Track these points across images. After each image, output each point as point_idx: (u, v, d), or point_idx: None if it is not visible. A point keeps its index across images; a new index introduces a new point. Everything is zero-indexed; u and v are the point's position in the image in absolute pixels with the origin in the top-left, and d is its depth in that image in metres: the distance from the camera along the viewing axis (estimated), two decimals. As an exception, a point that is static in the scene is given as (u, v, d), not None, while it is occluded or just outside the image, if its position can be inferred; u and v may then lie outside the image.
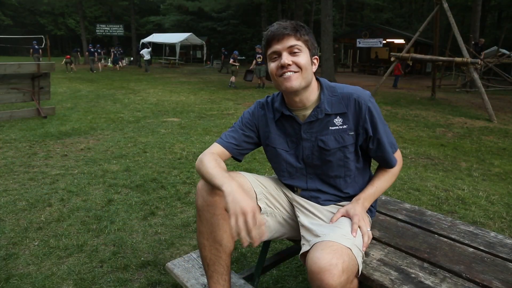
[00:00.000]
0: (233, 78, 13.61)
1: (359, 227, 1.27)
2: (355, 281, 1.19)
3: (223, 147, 1.44)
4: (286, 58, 1.26)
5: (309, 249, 1.18)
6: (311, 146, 1.38)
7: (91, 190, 3.27)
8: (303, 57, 1.28)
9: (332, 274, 1.04)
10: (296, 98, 1.34)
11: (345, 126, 1.35)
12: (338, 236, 1.18)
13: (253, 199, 1.38)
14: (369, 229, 1.30)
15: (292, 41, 1.27)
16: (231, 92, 12.03)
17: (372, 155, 1.44)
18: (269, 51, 1.31)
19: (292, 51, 1.27)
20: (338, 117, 1.35)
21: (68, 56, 20.44)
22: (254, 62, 13.52)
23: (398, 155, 1.46)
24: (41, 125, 5.95)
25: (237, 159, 1.49)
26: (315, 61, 1.35)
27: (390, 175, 1.45)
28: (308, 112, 1.37)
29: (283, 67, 1.27)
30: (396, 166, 1.45)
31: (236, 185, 1.20)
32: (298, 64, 1.27)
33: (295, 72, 1.27)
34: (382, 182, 1.44)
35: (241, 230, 1.11)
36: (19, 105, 7.73)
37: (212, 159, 1.35)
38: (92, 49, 21.15)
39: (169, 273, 1.64)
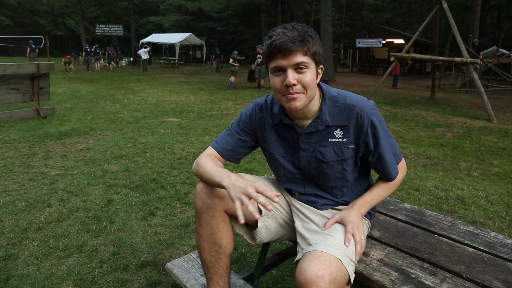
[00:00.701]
0: (232, 78, 13.60)
1: (352, 235, 1.24)
2: None
3: (218, 152, 1.41)
4: (291, 77, 1.17)
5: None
6: (308, 156, 1.35)
7: (91, 191, 3.27)
8: (309, 75, 1.19)
9: (318, 286, 1.03)
10: (298, 110, 1.28)
11: (345, 139, 1.30)
12: (328, 246, 1.15)
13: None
14: (363, 238, 1.26)
15: (299, 58, 1.16)
16: (231, 92, 12.03)
17: (372, 167, 1.41)
18: (272, 64, 1.20)
19: (298, 67, 1.18)
20: (338, 129, 1.30)
21: (68, 56, 20.38)
22: (255, 62, 13.50)
23: (402, 165, 1.42)
24: (41, 126, 5.94)
25: (234, 162, 1.48)
26: (319, 71, 1.27)
27: (391, 184, 1.41)
28: (308, 122, 1.31)
29: (288, 86, 1.18)
30: (397, 177, 1.41)
31: (235, 176, 1.20)
32: (304, 84, 1.19)
33: (300, 93, 1.20)
34: (381, 190, 1.40)
35: (247, 206, 1.10)
36: (18, 105, 7.73)
37: (209, 159, 1.35)
38: (89, 49, 21.23)
39: (169, 273, 1.64)
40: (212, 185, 1.30)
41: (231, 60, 14.32)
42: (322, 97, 1.32)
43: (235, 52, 14.65)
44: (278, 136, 1.39)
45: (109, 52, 23.70)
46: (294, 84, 1.18)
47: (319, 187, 1.42)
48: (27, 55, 21.19)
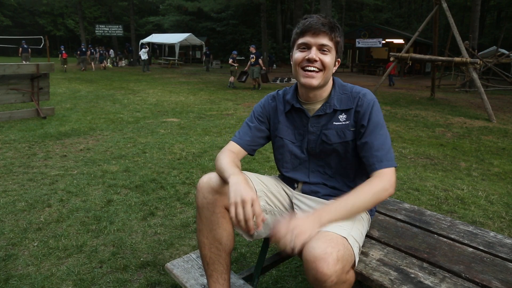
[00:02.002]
0: (232, 78, 13.60)
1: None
2: (351, 272, 1.18)
3: (239, 145, 1.49)
4: (314, 54, 1.31)
5: None
6: (315, 139, 1.43)
7: (91, 191, 3.27)
8: (329, 58, 1.33)
9: (326, 262, 1.04)
10: (311, 93, 1.40)
11: (347, 122, 1.39)
12: (333, 226, 1.18)
13: (254, 191, 1.35)
14: (296, 247, 1.07)
15: (325, 40, 1.31)
16: (231, 93, 12.03)
17: (359, 153, 1.36)
18: (300, 41, 1.33)
19: (321, 49, 1.32)
20: (343, 113, 1.40)
21: (65, 55, 20.25)
22: (248, 63, 13.40)
23: (388, 173, 1.28)
24: (41, 126, 5.94)
25: (250, 154, 1.55)
26: (336, 63, 1.40)
27: (370, 191, 1.23)
28: (318, 106, 1.42)
29: (309, 60, 1.31)
30: (379, 182, 1.26)
31: (243, 178, 1.24)
32: (323, 63, 1.32)
33: (318, 70, 1.32)
34: (356, 197, 1.23)
35: (240, 220, 1.14)
36: (18, 106, 7.73)
37: (228, 156, 1.41)
38: (84, 49, 21.70)
39: (169, 273, 1.64)
40: (223, 179, 1.35)
41: (230, 60, 14.27)
42: (333, 84, 1.45)
43: (235, 52, 14.59)
44: (289, 122, 1.49)
45: (101, 52, 24.05)
46: (315, 60, 1.31)
47: (324, 173, 1.46)
48: (19, 55, 21.36)
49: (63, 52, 20.13)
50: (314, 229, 1.12)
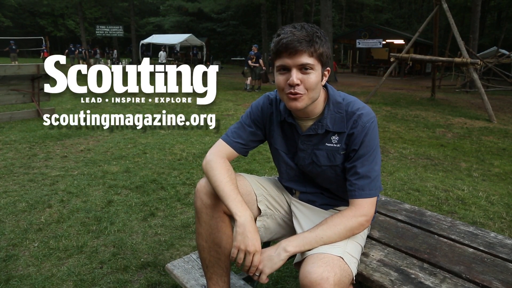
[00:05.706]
0: (248, 80, 12.82)
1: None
2: None
3: (231, 146, 1.41)
4: (295, 77, 1.17)
5: (302, 260, 1.17)
6: (305, 157, 1.36)
7: (91, 191, 3.27)
8: (313, 77, 1.19)
9: None
10: (299, 112, 1.30)
11: (338, 145, 1.30)
12: (328, 246, 1.16)
13: (259, 240, 1.23)
14: (261, 275, 1.19)
15: (304, 59, 1.16)
16: (231, 93, 12.03)
17: (346, 175, 1.31)
18: (278, 62, 1.21)
19: (302, 68, 1.18)
20: (336, 135, 1.30)
21: (46, 54, 20.25)
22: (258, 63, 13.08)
23: (367, 205, 1.24)
24: (41, 126, 5.94)
25: (243, 155, 1.48)
26: (326, 73, 1.26)
27: (345, 226, 1.20)
28: (310, 123, 1.32)
29: (291, 85, 1.19)
30: (355, 215, 1.23)
31: (250, 217, 1.21)
32: (307, 85, 1.19)
33: (302, 93, 1.20)
34: (328, 230, 1.19)
35: (238, 264, 1.18)
36: (19, 107, 7.73)
37: (224, 169, 1.31)
38: (72, 48, 22.43)
39: (169, 274, 1.64)
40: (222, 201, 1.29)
41: (249, 61, 12.69)
42: (327, 101, 1.31)
43: (252, 53, 12.75)
44: (282, 133, 1.41)
45: (81, 50, 24.55)
46: (297, 84, 1.18)
47: (319, 186, 1.43)
48: (8, 54, 21.57)
49: (45, 51, 20.08)
50: (278, 260, 1.17)
